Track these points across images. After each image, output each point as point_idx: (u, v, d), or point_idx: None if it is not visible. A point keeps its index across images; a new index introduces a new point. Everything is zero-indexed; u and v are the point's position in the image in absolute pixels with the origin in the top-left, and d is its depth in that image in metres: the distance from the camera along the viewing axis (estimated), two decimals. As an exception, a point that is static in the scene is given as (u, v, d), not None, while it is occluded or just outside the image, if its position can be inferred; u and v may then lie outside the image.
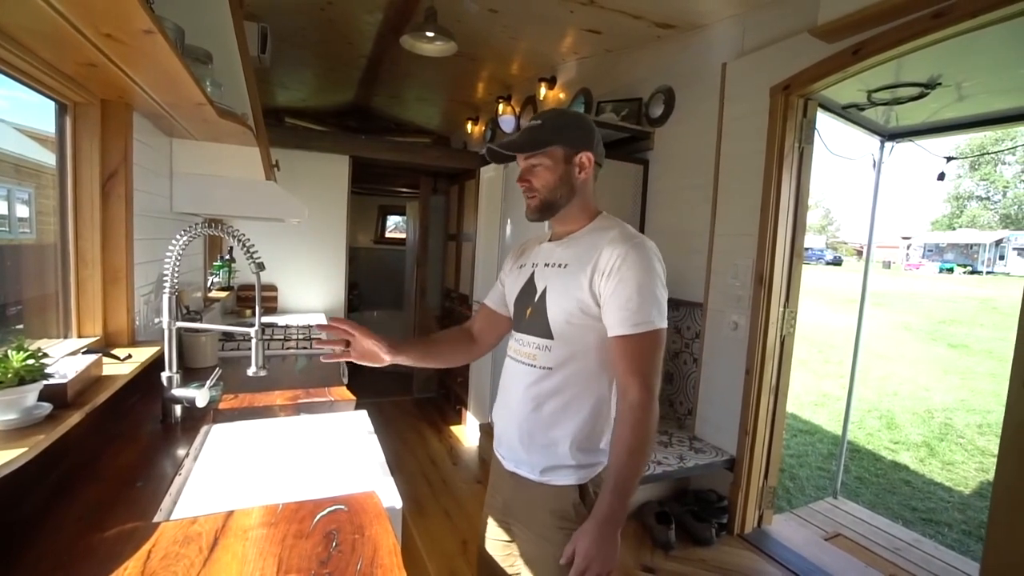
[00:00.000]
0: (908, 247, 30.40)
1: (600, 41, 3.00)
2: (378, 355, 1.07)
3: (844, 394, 5.29)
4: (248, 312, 2.98)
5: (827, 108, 2.05)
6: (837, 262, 31.49)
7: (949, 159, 2.55)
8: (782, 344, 2.02)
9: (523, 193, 1.06)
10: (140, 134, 1.53)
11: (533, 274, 1.08)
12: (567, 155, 1.02)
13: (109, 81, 1.22)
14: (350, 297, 3.75)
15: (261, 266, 1.17)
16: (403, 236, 6.30)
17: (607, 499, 0.91)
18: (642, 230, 2.70)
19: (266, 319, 2.91)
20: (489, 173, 3.25)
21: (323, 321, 2.95)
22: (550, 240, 1.10)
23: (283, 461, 1.16)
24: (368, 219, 6.23)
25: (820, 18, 1.64)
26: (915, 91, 1.91)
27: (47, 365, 0.87)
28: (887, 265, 28.94)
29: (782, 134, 1.90)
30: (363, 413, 1.46)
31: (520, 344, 1.07)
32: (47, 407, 0.87)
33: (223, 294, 2.84)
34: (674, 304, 2.43)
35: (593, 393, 1.00)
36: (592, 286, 0.97)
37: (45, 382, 0.86)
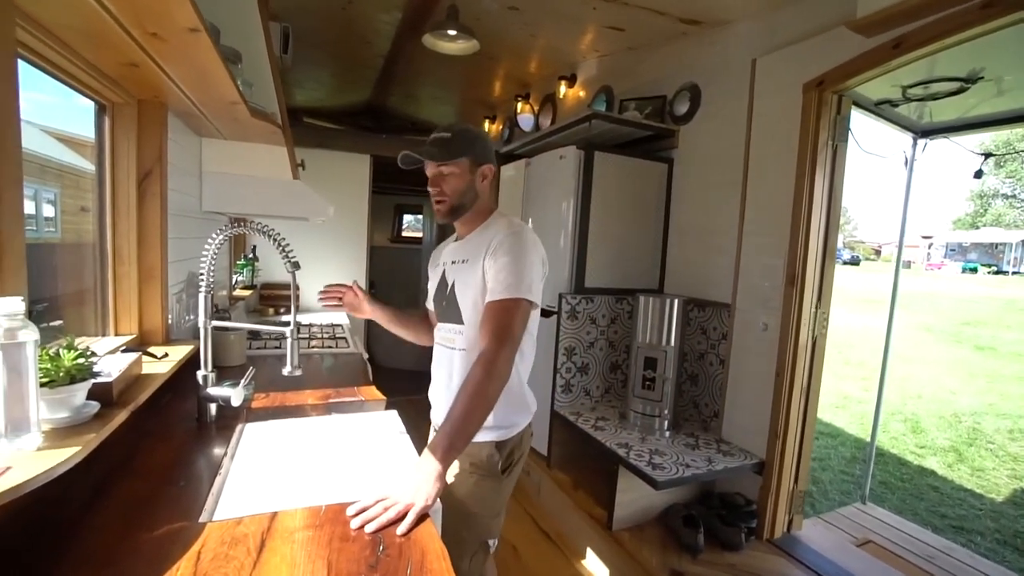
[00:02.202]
0: (929, 246, 29.78)
1: (622, 38, 2.97)
2: (361, 307, 1.42)
3: (865, 396, 5.21)
4: (271, 311, 3.00)
5: (859, 104, 2.00)
6: (855, 261, 31.00)
7: (987, 156, 2.48)
8: (813, 345, 1.98)
9: (433, 197, 1.20)
10: (172, 133, 1.54)
11: (444, 272, 1.28)
12: (472, 166, 1.18)
13: (148, 80, 1.23)
14: (370, 295, 3.76)
15: (296, 265, 1.17)
16: (419, 235, 6.32)
17: (439, 434, 0.98)
18: (666, 230, 2.67)
19: (288, 317, 2.92)
20: (509, 172, 3.23)
21: (345, 320, 2.98)
22: (456, 240, 1.29)
23: (319, 461, 1.16)
24: (385, 218, 6.25)
25: (859, 11, 1.60)
26: (954, 86, 1.86)
27: (95, 364, 0.87)
28: (907, 265, 28.39)
29: (815, 131, 1.85)
30: (393, 413, 1.46)
31: (441, 331, 1.27)
32: (95, 405, 0.88)
33: (246, 292, 2.86)
34: (699, 304, 2.39)
35: None
36: (484, 272, 1.13)
37: (93, 381, 0.87)
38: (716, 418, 2.27)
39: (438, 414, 1.29)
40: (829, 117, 1.86)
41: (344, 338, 2.46)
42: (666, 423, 2.25)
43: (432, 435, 1.35)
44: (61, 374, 0.80)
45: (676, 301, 2.22)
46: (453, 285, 1.22)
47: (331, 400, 1.50)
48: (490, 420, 1.09)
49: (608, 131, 2.57)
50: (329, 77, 4.53)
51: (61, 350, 0.82)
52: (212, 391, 1.25)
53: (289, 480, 1.07)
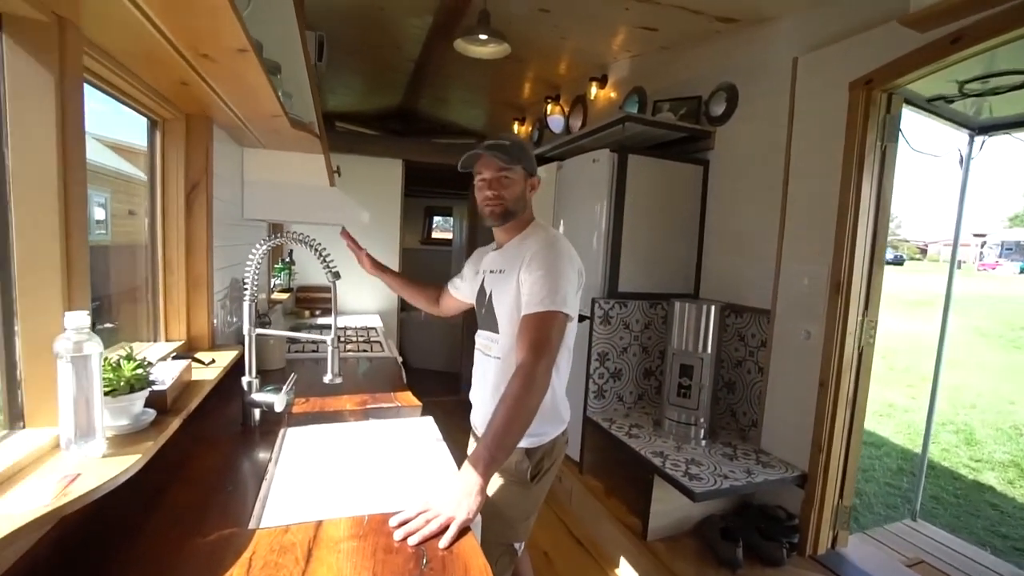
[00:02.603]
0: (982, 245, 28.22)
1: (655, 38, 2.93)
2: (365, 263, 1.57)
3: (911, 404, 4.97)
4: (307, 313, 3.08)
5: (910, 102, 1.91)
6: (898, 261, 29.70)
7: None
8: (860, 355, 1.90)
9: (488, 199, 1.22)
10: (217, 145, 1.60)
11: (483, 280, 1.31)
12: (526, 176, 1.24)
13: (196, 97, 1.28)
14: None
15: (337, 275, 1.19)
16: (449, 236, 6.37)
17: (480, 446, 0.99)
18: (701, 233, 2.62)
19: (324, 320, 3.00)
20: (541, 175, 3.22)
21: (379, 323, 3.03)
22: (494, 250, 1.33)
23: (358, 468, 1.18)
24: (415, 220, 6.34)
25: (912, 5, 1.53)
26: (1017, 79, 1.75)
27: (151, 373, 0.91)
28: (958, 265, 27.01)
29: (863, 132, 1.78)
30: (429, 419, 1.48)
31: (479, 338, 1.31)
32: (152, 413, 0.92)
33: (284, 295, 2.94)
34: (737, 310, 2.34)
35: None
36: (520, 284, 1.16)
37: (150, 389, 0.91)
38: (754, 427, 2.21)
39: (477, 416, 1.34)
40: (878, 117, 1.79)
41: (379, 341, 2.50)
42: (702, 432, 2.21)
43: (471, 442, 1.39)
44: (122, 383, 0.84)
45: (713, 307, 2.18)
46: (491, 295, 1.26)
47: (368, 406, 1.53)
48: None
49: (641, 133, 2.53)
50: (361, 82, 4.63)
51: (122, 360, 0.87)
52: (256, 396, 1.29)
53: (331, 487, 1.09)
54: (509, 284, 1.19)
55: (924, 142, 2.07)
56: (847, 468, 1.95)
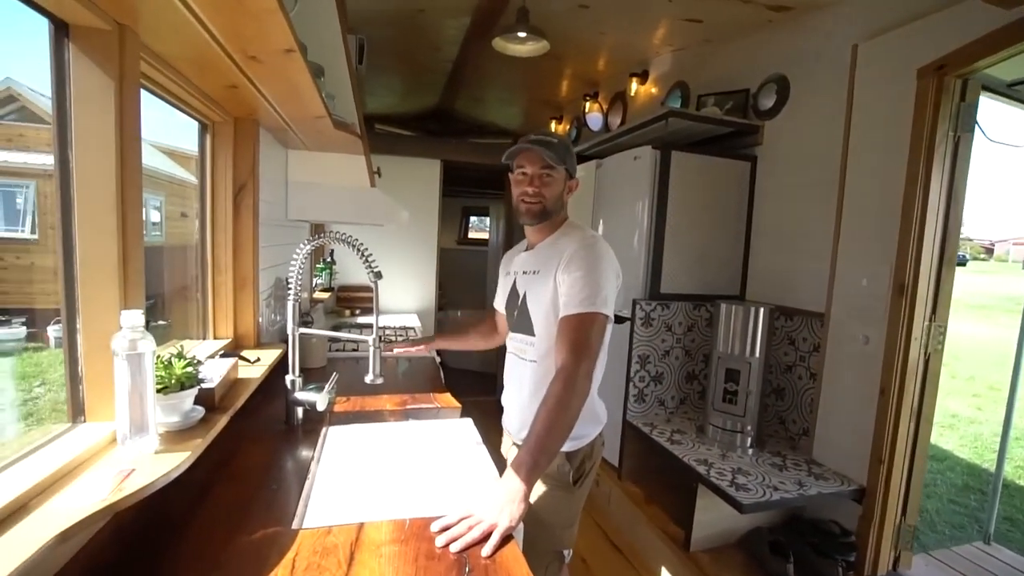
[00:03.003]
0: (1056, 244, 26.18)
1: (699, 30, 2.83)
2: (424, 349, 1.60)
3: (977, 415, 4.63)
4: (348, 312, 3.14)
5: (988, 88, 1.76)
6: (962, 262, 27.89)
7: None
8: (927, 363, 1.77)
9: (527, 195, 1.20)
10: (263, 147, 1.63)
11: (515, 281, 1.29)
12: (567, 177, 1.22)
13: (244, 100, 1.31)
14: (438, 298, 3.84)
15: (379, 275, 1.19)
16: (485, 236, 6.40)
17: (522, 452, 0.97)
18: (748, 232, 2.52)
19: (364, 319, 3.05)
20: (580, 173, 3.18)
21: (417, 323, 3.06)
22: (526, 250, 1.30)
23: (399, 469, 1.18)
24: (452, 220, 6.39)
25: (992, -17, 1.41)
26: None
27: (200, 371, 0.93)
28: (1025, 265, 25.19)
29: (932, 122, 1.66)
30: (468, 422, 1.47)
31: (513, 341, 1.29)
32: (201, 410, 0.94)
33: (325, 295, 3.01)
34: (787, 313, 2.24)
35: None
36: (556, 285, 1.14)
37: (199, 387, 0.93)
38: (805, 436, 2.11)
39: (510, 420, 1.33)
40: (950, 105, 1.66)
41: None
42: (749, 440, 2.12)
43: (505, 443, 1.38)
44: (173, 381, 0.86)
45: (762, 309, 2.10)
46: (525, 296, 1.24)
47: (408, 406, 1.53)
48: None
49: (685, 129, 2.46)
50: (399, 84, 4.69)
51: (173, 359, 0.89)
52: (299, 395, 1.31)
53: (372, 488, 1.09)
54: (544, 285, 1.17)
55: (998, 131, 1.91)
56: (911, 483, 1.82)
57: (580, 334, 1.06)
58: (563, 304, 1.10)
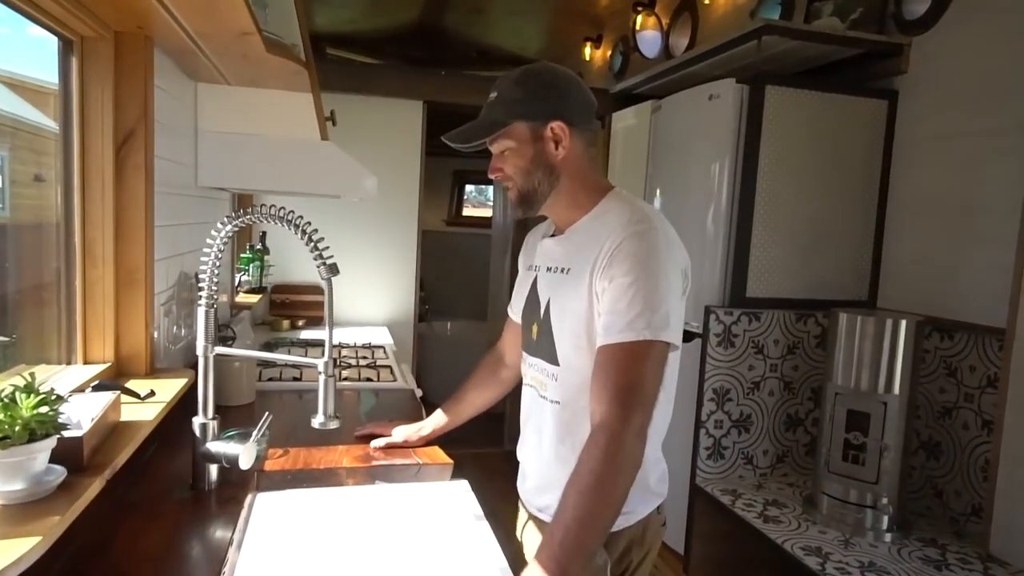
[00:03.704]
0: None
1: (809, -96, 2.79)
2: (419, 437, 1.57)
3: None
4: (286, 323, 3.12)
5: None
6: None
7: None
8: None
9: (501, 184, 1.23)
10: (160, 78, 1.61)
11: (536, 280, 1.28)
12: (533, 131, 1.15)
13: (128, 6, 1.28)
14: (419, 303, 3.82)
15: (334, 270, 1.16)
16: (488, 214, 6.39)
17: (545, 552, 0.94)
18: (882, 206, 2.54)
19: (309, 333, 3.03)
20: (628, 120, 3.17)
21: (388, 340, 3.07)
22: (552, 235, 1.28)
23: (359, 554, 1.15)
24: (440, 191, 6.39)
25: None
26: None
27: (62, 412, 0.90)
28: None
29: None
30: (464, 485, 1.45)
31: (530, 369, 1.29)
32: (60, 471, 0.91)
33: (253, 298, 2.99)
34: (944, 329, 2.22)
35: None
36: (592, 293, 1.11)
37: (59, 435, 0.89)
38: (976, 517, 2.11)
39: (525, 482, 1.34)
40: None
41: (388, 366, 2.52)
42: (886, 519, 2.12)
43: (521, 517, 1.38)
44: (17, 428, 0.83)
45: (904, 323, 2.09)
46: (548, 305, 1.22)
47: (376, 463, 1.51)
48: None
49: (787, 52, 2.50)
50: (364, -11, 4.70)
51: (18, 394, 0.85)
52: (214, 446, 1.28)
53: (319, 590, 1.06)
54: (577, 291, 1.15)
55: None
56: None
57: (631, 374, 1.03)
58: (604, 325, 1.07)
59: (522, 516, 1.38)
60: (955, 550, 2.03)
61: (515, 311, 1.43)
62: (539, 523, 1.27)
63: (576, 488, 0.97)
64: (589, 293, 1.12)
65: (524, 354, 1.32)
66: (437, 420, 1.58)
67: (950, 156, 2.30)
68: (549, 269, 1.24)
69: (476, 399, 1.57)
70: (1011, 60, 2.08)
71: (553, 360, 1.20)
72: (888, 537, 2.08)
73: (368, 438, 1.59)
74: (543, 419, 1.24)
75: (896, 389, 2.09)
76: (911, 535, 2.11)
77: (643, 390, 1.02)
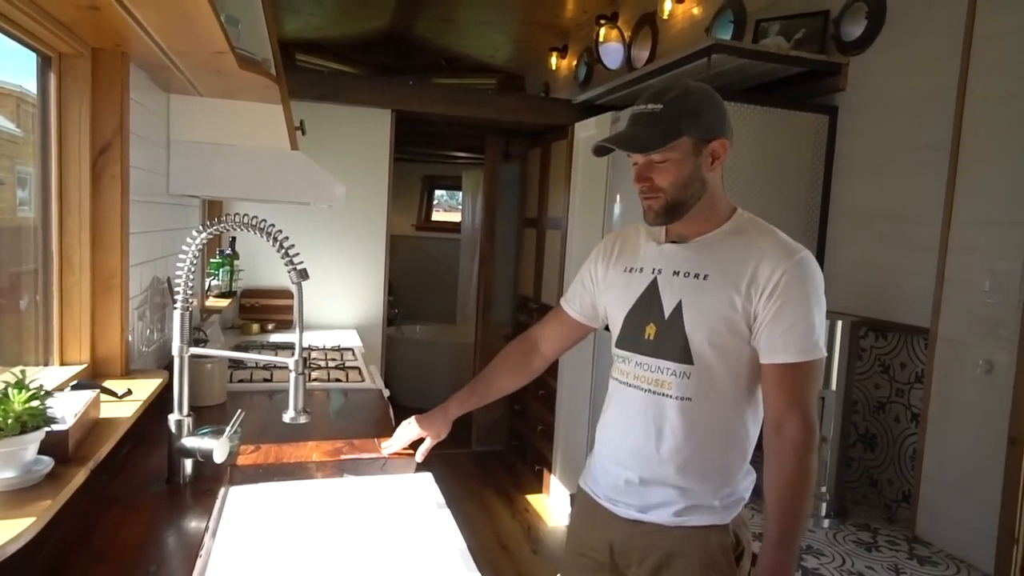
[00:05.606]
0: None
1: (759, -73, 2.91)
2: (441, 428, 1.53)
3: None
4: (256, 327, 3.16)
5: None
6: None
7: None
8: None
9: (641, 193, 1.24)
10: (134, 91, 1.65)
11: (656, 282, 1.28)
12: (697, 145, 1.20)
13: (108, 25, 1.33)
14: (388, 306, 3.87)
15: (304, 275, 1.22)
16: (457, 219, 6.44)
17: (771, 554, 1.14)
18: (824, 213, 2.60)
19: (279, 337, 3.07)
20: (590, 130, 3.24)
21: (356, 342, 3.10)
22: (671, 240, 1.31)
23: (329, 542, 1.21)
24: (408, 196, 6.41)
25: None
26: None
27: (49, 407, 0.96)
28: None
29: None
30: (428, 477, 1.52)
31: (642, 369, 1.29)
32: (48, 461, 0.97)
33: (222, 302, 3.03)
34: (878, 328, 2.30)
35: (732, 423, 1.27)
36: (745, 305, 1.19)
37: (47, 429, 0.95)
38: (906, 504, 2.17)
39: (622, 484, 1.31)
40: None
41: (357, 367, 2.55)
42: (824, 506, 2.17)
43: (594, 507, 1.37)
44: (10, 421, 0.89)
45: (839, 323, 2.15)
46: (680, 307, 1.24)
47: (344, 456, 1.57)
48: (712, 498, 1.25)
49: (737, 69, 2.54)
50: (333, -3, 4.72)
51: (10, 390, 0.91)
52: (188, 442, 1.34)
53: (288, 570, 1.12)
54: (717, 298, 1.21)
55: None
56: (1051, 567, 1.89)
57: (808, 390, 1.19)
58: (780, 345, 1.18)
59: (591, 510, 1.38)
60: (885, 533, 2.08)
61: (575, 307, 1.48)
62: (636, 526, 1.28)
63: (792, 492, 1.16)
64: (741, 303, 1.19)
65: (625, 353, 1.32)
66: (459, 398, 1.55)
67: (882, 168, 2.35)
68: (676, 273, 1.26)
69: (506, 384, 1.57)
70: (936, 80, 2.13)
71: (684, 359, 1.22)
72: (826, 523, 2.12)
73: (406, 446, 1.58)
74: (663, 417, 1.25)
75: (833, 385, 2.12)
76: (847, 521, 2.15)
77: (814, 405, 1.19)
